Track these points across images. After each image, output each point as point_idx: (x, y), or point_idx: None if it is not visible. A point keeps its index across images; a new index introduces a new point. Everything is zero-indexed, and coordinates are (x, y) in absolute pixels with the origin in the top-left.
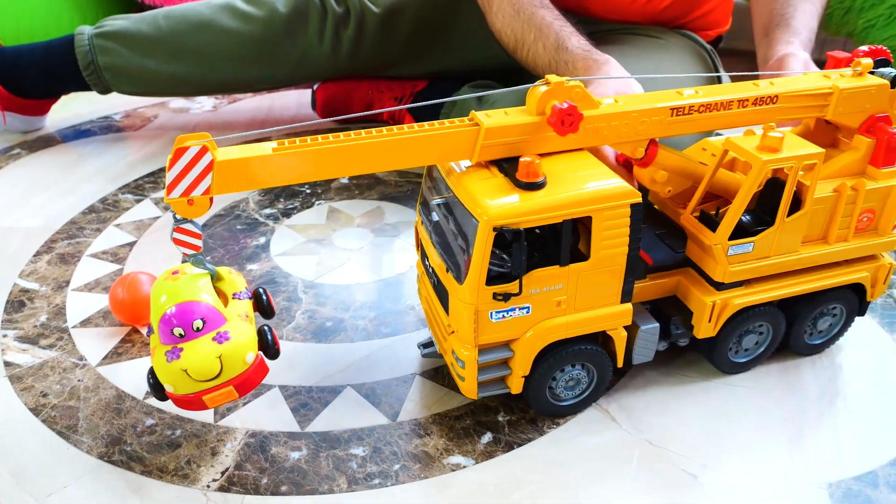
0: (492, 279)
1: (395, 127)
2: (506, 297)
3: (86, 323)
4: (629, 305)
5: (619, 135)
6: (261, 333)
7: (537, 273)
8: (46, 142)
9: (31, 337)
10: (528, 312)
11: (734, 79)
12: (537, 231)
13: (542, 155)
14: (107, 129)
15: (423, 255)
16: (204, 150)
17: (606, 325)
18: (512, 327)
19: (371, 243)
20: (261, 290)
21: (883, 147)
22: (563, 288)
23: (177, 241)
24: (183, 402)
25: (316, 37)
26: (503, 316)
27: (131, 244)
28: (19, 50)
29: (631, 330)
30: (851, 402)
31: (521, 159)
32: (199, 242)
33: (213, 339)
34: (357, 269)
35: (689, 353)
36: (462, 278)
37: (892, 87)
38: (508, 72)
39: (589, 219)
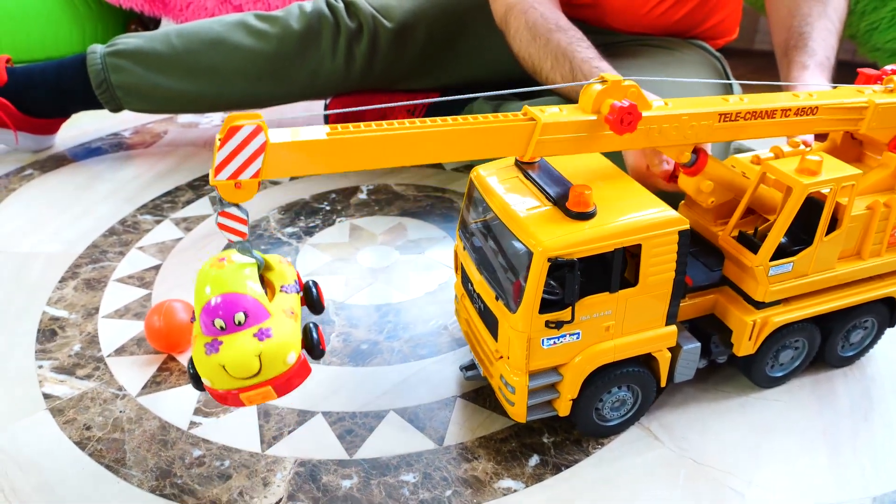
0: (544, 307)
1: (449, 118)
2: (558, 324)
3: (120, 351)
4: (674, 327)
5: (669, 138)
6: (306, 331)
7: (588, 300)
8: (58, 161)
9: (67, 367)
10: (578, 338)
11: (744, 88)
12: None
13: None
14: (117, 146)
15: (465, 279)
16: (258, 130)
17: (652, 347)
18: (562, 353)
19: (396, 261)
20: (311, 283)
21: None
22: (613, 313)
23: (222, 227)
24: (219, 396)
25: (329, 52)
26: (554, 342)
27: (156, 267)
28: (30, 69)
29: (674, 350)
30: (885, 414)
31: (572, 189)
32: (244, 228)
33: (255, 335)
34: (385, 288)
35: (725, 368)
36: (515, 307)
37: None
38: (522, 82)
39: (638, 246)
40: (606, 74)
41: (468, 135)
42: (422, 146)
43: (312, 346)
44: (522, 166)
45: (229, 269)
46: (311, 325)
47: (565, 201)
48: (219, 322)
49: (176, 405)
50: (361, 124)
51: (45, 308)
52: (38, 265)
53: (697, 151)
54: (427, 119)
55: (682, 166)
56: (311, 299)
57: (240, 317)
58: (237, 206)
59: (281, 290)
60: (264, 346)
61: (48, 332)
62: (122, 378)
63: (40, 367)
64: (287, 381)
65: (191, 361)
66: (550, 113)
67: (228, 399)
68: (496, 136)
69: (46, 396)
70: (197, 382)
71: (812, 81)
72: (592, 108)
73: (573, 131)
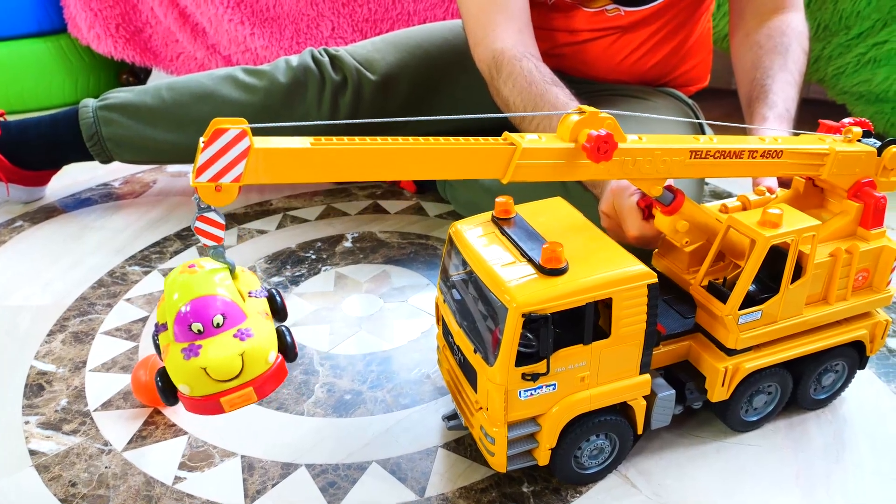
0: (520, 360)
1: (431, 138)
2: (534, 376)
3: (107, 405)
4: (648, 376)
5: (642, 170)
6: (279, 334)
7: (562, 352)
8: (48, 212)
9: (54, 422)
10: (554, 389)
11: (715, 131)
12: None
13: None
14: (107, 196)
15: (446, 331)
16: (242, 135)
17: (627, 396)
18: (539, 404)
19: (381, 309)
20: (274, 292)
21: (871, 210)
22: (587, 364)
23: (199, 231)
24: (197, 404)
25: (314, 104)
26: (531, 394)
27: (144, 319)
28: (24, 123)
29: (649, 398)
30: (856, 455)
31: (545, 246)
32: (221, 233)
33: (234, 335)
34: (370, 337)
35: (701, 414)
36: (492, 360)
37: (878, 155)
38: (500, 131)
39: (609, 299)
40: (583, 107)
41: (451, 154)
42: (403, 162)
43: (286, 348)
44: (499, 222)
45: (200, 274)
46: (284, 328)
47: (539, 257)
48: (196, 326)
49: (161, 460)
50: (345, 138)
51: (32, 362)
52: (27, 318)
53: (675, 192)
54: (410, 137)
55: (661, 205)
56: (276, 307)
57: (218, 319)
58: (215, 210)
59: (250, 296)
60: (246, 345)
61: (35, 387)
62: (108, 433)
63: (27, 422)
64: (266, 382)
65: (160, 374)
66: (530, 139)
67: (207, 406)
68: (477, 157)
69: (32, 453)
70: (168, 396)
71: (768, 133)
72: (570, 137)
73: (551, 158)
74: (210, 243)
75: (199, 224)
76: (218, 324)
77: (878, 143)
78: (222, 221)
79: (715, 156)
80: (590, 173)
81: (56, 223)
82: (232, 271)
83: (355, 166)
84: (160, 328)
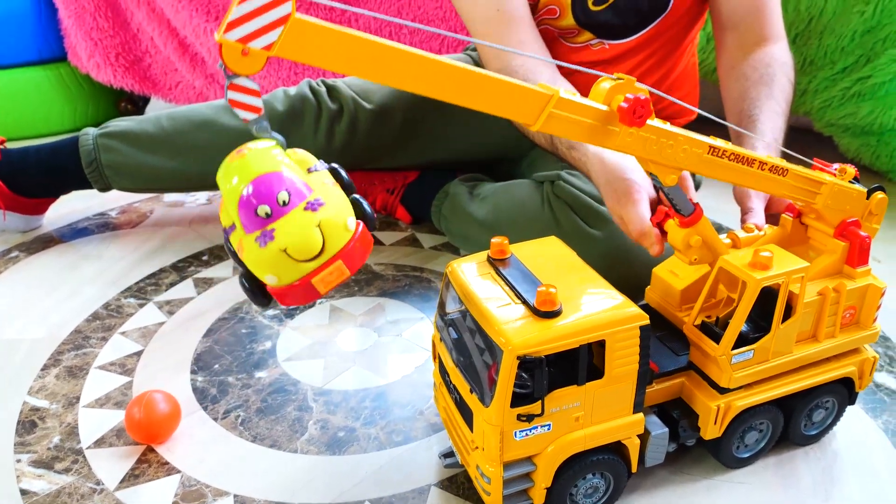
0: (515, 401)
1: (471, 66)
2: (529, 417)
3: (100, 442)
4: (641, 415)
5: (662, 154)
6: (354, 202)
7: (557, 393)
8: (45, 242)
9: (46, 461)
10: (549, 429)
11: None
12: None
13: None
14: (104, 226)
15: (442, 369)
16: None
17: (621, 435)
18: (534, 443)
19: (375, 343)
20: (336, 166)
21: (856, 249)
22: (581, 405)
23: (233, 103)
24: (291, 293)
25: (311, 131)
26: (526, 434)
27: (138, 353)
28: (25, 151)
29: (643, 436)
30: (845, 490)
31: (540, 289)
32: (257, 102)
33: (305, 209)
34: (363, 372)
35: (695, 450)
36: (487, 401)
37: (867, 198)
38: (495, 164)
39: (602, 341)
40: (621, 74)
41: (488, 83)
42: (438, 76)
43: (366, 215)
44: (494, 262)
45: (251, 154)
46: (357, 196)
47: (533, 300)
48: (263, 209)
49: (153, 500)
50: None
51: (25, 398)
52: (22, 352)
53: (694, 204)
54: (451, 61)
55: (680, 216)
56: (342, 180)
57: (283, 196)
58: (245, 76)
59: (309, 172)
60: (321, 215)
61: (28, 424)
62: (101, 471)
63: (18, 460)
64: (353, 251)
65: (242, 276)
66: (567, 91)
67: (301, 294)
68: (514, 94)
69: (24, 493)
70: (258, 294)
71: None
72: (603, 100)
73: (584, 115)
74: (249, 116)
75: (232, 94)
76: (284, 201)
77: (867, 189)
78: (256, 87)
79: (730, 157)
80: (615, 143)
81: (52, 253)
82: (282, 145)
83: (389, 67)
84: (229, 230)
